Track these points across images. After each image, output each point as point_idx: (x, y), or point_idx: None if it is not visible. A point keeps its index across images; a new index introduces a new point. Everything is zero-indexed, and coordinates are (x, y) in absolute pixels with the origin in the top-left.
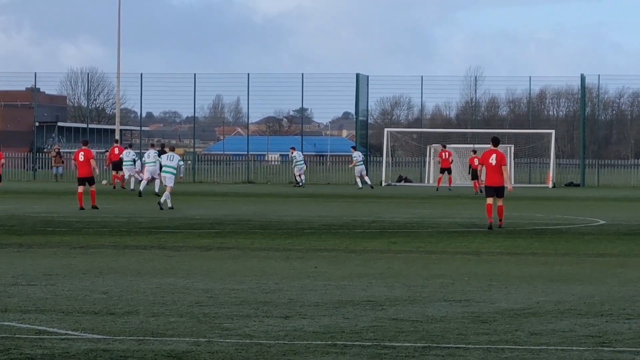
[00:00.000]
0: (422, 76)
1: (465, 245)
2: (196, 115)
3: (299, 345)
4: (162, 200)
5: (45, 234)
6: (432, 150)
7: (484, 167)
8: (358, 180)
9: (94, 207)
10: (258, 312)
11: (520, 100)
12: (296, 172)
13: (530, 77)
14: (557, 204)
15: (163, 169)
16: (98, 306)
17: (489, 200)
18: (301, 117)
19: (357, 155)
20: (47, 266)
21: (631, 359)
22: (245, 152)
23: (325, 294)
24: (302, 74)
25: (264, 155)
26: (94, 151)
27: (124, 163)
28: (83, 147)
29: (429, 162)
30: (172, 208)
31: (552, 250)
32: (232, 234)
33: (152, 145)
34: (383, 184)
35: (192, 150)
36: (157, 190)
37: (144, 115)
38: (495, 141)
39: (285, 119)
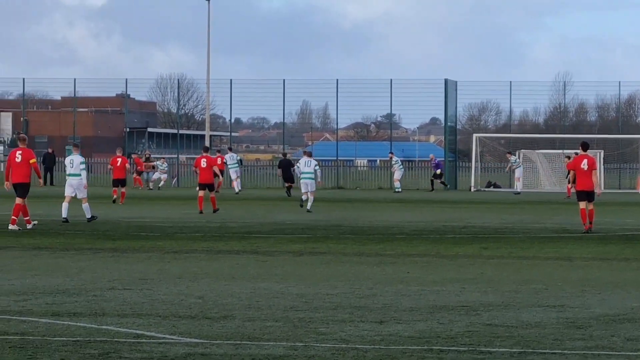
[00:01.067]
0: (510, 81)
1: (556, 251)
2: (284, 121)
3: (395, 350)
4: (308, 207)
5: (139, 239)
6: (522, 156)
7: (575, 172)
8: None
9: (215, 211)
10: (353, 317)
11: (609, 106)
12: (397, 176)
13: (619, 82)
14: None
15: (302, 175)
16: (194, 310)
17: (582, 205)
18: (390, 122)
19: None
20: (141, 271)
21: None
22: (334, 158)
23: (419, 299)
24: (391, 80)
25: (352, 160)
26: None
27: (229, 165)
28: (204, 154)
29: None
30: (310, 211)
31: None
32: (324, 239)
33: (230, 149)
34: (472, 189)
35: (281, 156)
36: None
37: (232, 121)
38: (585, 146)
39: (372, 125)
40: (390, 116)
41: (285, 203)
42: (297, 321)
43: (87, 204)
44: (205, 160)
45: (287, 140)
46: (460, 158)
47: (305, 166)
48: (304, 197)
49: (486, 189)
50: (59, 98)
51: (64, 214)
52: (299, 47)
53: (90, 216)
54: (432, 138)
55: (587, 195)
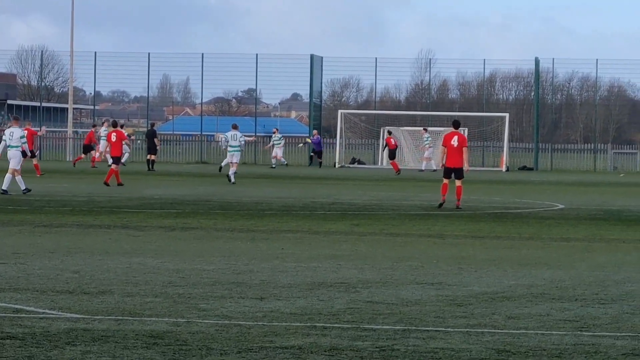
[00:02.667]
0: (376, 58)
1: (428, 228)
2: (145, 94)
3: (279, 327)
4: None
5: (7, 213)
6: (385, 133)
7: (445, 149)
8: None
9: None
10: (232, 293)
11: (470, 84)
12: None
13: (484, 59)
14: (513, 187)
15: (230, 147)
16: (72, 285)
17: (446, 180)
18: (255, 97)
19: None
20: (13, 245)
21: (611, 344)
22: (195, 132)
23: (297, 275)
24: (257, 54)
25: (213, 135)
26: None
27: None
28: (114, 129)
29: (381, 144)
30: (234, 183)
31: (516, 234)
32: (194, 214)
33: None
34: (337, 165)
35: (142, 129)
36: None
37: (92, 94)
38: (456, 124)
39: (234, 100)
40: (255, 91)
41: (149, 178)
42: (177, 297)
43: (20, 176)
44: (115, 134)
45: (148, 114)
46: (322, 134)
47: (232, 139)
48: (223, 163)
49: (350, 166)
50: None
51: (4, 186)
52: (164, 22)
53: (5, 188)
54: (293, 114)
55: (455, 171)
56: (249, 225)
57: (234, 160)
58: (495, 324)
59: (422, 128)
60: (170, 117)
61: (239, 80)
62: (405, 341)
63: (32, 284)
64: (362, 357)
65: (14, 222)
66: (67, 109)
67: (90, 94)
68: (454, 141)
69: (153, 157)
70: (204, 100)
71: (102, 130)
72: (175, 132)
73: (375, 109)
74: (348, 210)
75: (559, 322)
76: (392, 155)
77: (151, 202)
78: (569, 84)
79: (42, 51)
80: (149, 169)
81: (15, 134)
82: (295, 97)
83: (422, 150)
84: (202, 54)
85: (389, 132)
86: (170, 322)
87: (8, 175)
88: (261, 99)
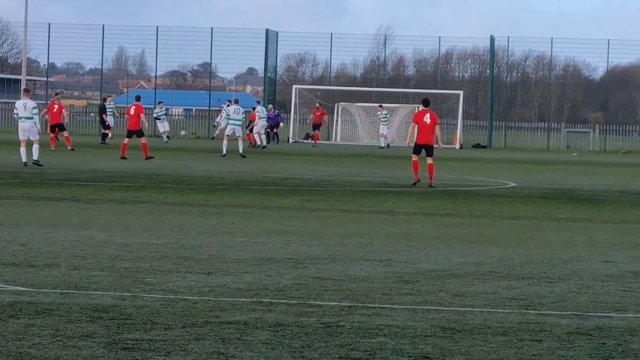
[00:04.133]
0: (331, 33)
1: (379, 205)
2: (99, 67)
3: (225, 302)
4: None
5: None
6: (340, 108)
7: (416, 126)
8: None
9: (148, 158)
10: (179, 268)
11: (427, 61)
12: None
13: (439, 37)
14: (466, 165)
15: (231, 121)
16: (18, 258)
17: (415, 157)
18: (210, 71)
19: (261, 110)
20: None
21: (556, 322)
22: (150, 106)
23: (245, 250)
24: (212, 28)
25: (168, 109)
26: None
27: (233, 121)
28: (135, 102)
29: (336, 120)
30: (244, 156)
31: (467, 211)
32: (145, 188)
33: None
34: (290, 141)
35: (97, 102)
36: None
37: (46, 65)
38: (426, 102)
39: (189, 73)
40: (209, 65)
41: (102, 150)
42: (124, 271)
43: (38, 145)
44: (134, 107)
45: (102, 86)
46: (277, 109)
47: (235, 113)
48: (228, 133)
49: (304, 141)
50: None
51: (24, 159)
52: None
53: (36, 158)
54: (249, 88)
55: (425, 148)
56: (200, 199)
57: (238, 134)
58: (442, 301)
59: (378, 105)
60: (125, 90)
61: (194, 54)
62: (351, 318)
63: None
64: (306, 333)
65: None
66: (20, 80)
67: (45, 65)
68: (427, 118)
69: (107, 131)
70: (159, 74)
71: (108, 105)
72: (129, 105)
73: (330, 85)
74: (300, 185)
75: (505, 300)
76: (315, 127)
77: (102, 175)
78: (525, 62)
79: None
80: (102, 142)
81: (28, 105)
82: (251, 71)
83: (377, 127)
84: (157, 27)
85: (319, 104)
86: (115, 296)
87: (35, 146)
88: (216, 72)
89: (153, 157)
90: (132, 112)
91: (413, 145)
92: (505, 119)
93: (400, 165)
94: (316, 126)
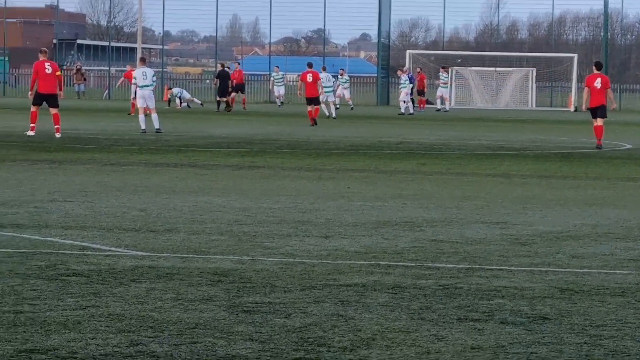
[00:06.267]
0: None
1: (494, 168)
2: (213, 34)
3: (343, 265)
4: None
5: (75, 151)
6: (454, 73)
7: (589, 90)
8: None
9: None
10: (297, 232)
11: (540, 25)
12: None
13: (553, 0)
14: (581, 127)
15: (326, 88)
16: (138, 223)
17: (595, 122)
18: (323, 37)
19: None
20: (81, 183)
21: None
22: (264, 72)
23: (362, 214)
24: None
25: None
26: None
27: (325, 88)
28: (309, 69)
29: (451, 85)
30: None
31: (583, 173)
32: (261, 153)
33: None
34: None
35: (211, 69)
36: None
37: (161, 33)
38: (598, 65)
39: (303, 40)
40: (322, 31)
41: (218, 117)
42: (242, 235)
43: (156, 114)
44: (311, 74)
45: (217, 54)
46: (391, 74)
47: (327, 81)
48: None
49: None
50: None
51: (143, 126)
52: None
53: (158, 127)
54: (362, 54)
55: (599, 110)
56: (316, 164)
57: (330, 99)
58: (559, 262)
59: (442, 67)
60: (240, 57)
61: (307, 20)
62: (469, 279)
63: (99, 221)
64: (425, 295)
65: (82, 161)
66: (136, 48)
67: (159, 33)
68: (597, 83)
69: (226, 99)
70: (272, 41)
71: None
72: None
73: (443, 50)
74: (415, 149)
75: (622, 262)
76: (420, 93)
77: (219, 141)
78: (639, 24)
79: None
80: (220, 110)
81: (148, 73)
82: (364, 37)
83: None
84: None
85: (420, 69)
86: (234, 260)
87: (154, 115)
88: (330, 38)
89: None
90: (309, 79)
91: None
92: (620, 81)
93: (515, 129)
94: (420, 92)
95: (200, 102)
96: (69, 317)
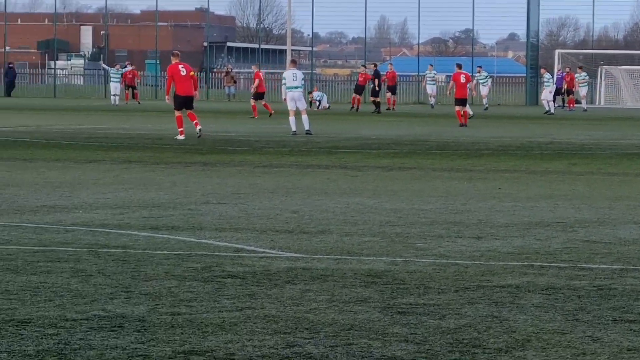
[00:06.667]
0: None
1: None
2: (362, 36)
3: (496, 266)
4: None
5: (227, 153)
6: (603, 72)
7: None
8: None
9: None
10: (449, 233)
11: None
12: (484, 92)
13: None
14: None
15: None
16: (291, 225)
17: None
18: (472, 37)
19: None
20: (234, 185)
21: None
22: (413, 73)
23: (514, 214)
24: None
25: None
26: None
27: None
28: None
29: (600, 84)
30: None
31: None
32: (411, 154)
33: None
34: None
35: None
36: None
37: (310, 35)
38: None
39: (450, 40)
40: (470, 31)
41: (367, 118)
42: (395, 236)
43: (306, 115)
44: (464, 75)
45: (365, 55)
46: (540, 75)
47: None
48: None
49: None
50: (139, 12)
51: (293, 128)
52: None
53: (308, 128)
54: (510, 54)
55: None
56: (466, 164)
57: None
58: None
59: (579, 66)
60: (388, 58)
61: (455, 20)
62: (623, 280)
63: (252, 223)
64: (579, 296)
65: (234, 163)
66: (285, 50)
67: (308, 35)
68: None
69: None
70: (421, 41)
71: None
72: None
73: (592, 49)
74: (565, 149)
75: None
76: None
77: (369, 142)
78: None
79: None
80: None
81: (297, 75)
82: (512, 37)
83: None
84: None
85: (569, 69)
86: (388, 261)
87: (304, 117)
88: (478, 39)
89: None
90: (462, 79)
91: None
92: None
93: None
94: (569, 91)
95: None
96: (225, 318)
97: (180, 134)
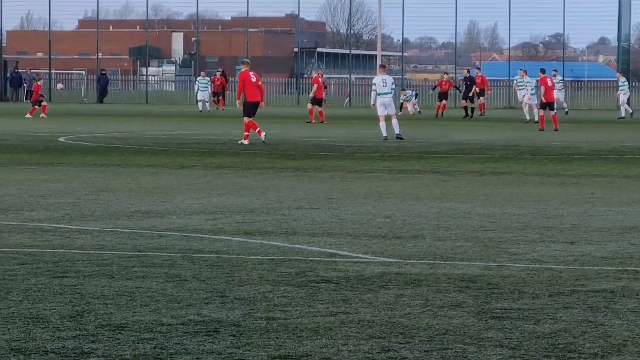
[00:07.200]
0: None
1: None
2: (452, 41)
3: (590, 271)
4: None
5: (319, 158)
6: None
7: None
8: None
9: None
10: (543, 237)
11: None
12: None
13: None
14: None
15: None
16: (384, 230)
17: None
18: (562, 42)
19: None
20: (326, 190)
21: None
22: (502, 78)
23: (607, 219)
24: None
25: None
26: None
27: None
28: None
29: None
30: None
31: None
32: (503, 159)
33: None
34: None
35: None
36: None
37: (400, 40)
38: None
39: (541, 45)
40: (560, 36)
41: (457, 123)
42: (488, 241)
43: (397, 120)
44: (550, 80)
45: (454, 60)
46: (631, 79)
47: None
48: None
49: None
50: (229, 18)
51: (384, 133)
52: None
53: (398, 132)
54: (601, 58)
55: None
56: (558, 169)
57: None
58: None
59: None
60: (478, 63)
61: (545, 24)
62: None
63: (345, 228)
64: None
65: (326, 168)
66: (375, 56)
67: (398, 40)
68: None
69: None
70: (511, 46)
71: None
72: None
73: None
74: None
75: None
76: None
77: (460, 147)
78: None
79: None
80: (466, 115)
81: (387, 81)
82: (603, 40)
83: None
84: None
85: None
86: (481, 266)
87: (395, 121)
88: (568, 43)
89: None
90: (549, 83)
91: None
92: None
93: None
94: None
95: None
96: (320, 323)
97: (245, 139)
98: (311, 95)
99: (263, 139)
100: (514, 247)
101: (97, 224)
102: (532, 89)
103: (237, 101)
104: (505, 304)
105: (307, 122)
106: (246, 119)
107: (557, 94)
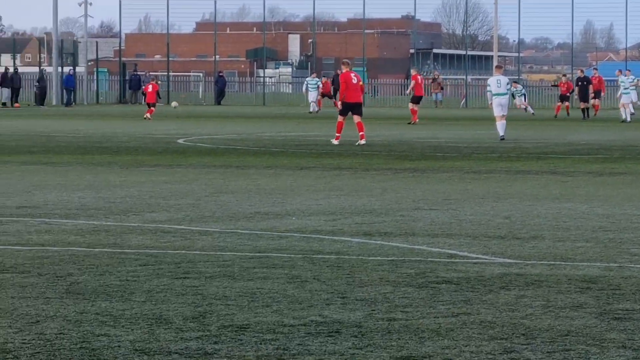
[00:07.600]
0: None
1: None
2: (567, 41)
3: None
4: None
5: (437, 159)
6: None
7: None
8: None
9: None
10: None
11: None
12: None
13: None
14: None
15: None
16: (503, 231)
17: None
18: None
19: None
20: (444, 191)
21: None
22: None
23: None
24: None
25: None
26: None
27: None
28: None
29: None
30: None
31: None
32: (621, 159)
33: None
34: None
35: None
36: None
37: (516, 41)
38: None
39: None
40: None
41: (574, 123)
42: (608, 242)
43: (504, 121)
44: None
45: (570, 60)
46: None
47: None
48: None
49: None
50: (345, 20)
51: (501, 133)
52: None
53: (502, 134)
54: None
55: None
56: None
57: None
58: None
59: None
60: (594, 63)
61: None
62: None
63: (464, 229)
64: None
65: (444, 169)
66: (492, 56)
67: (514, 41)
68: None
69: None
70: (628, 46)
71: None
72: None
73: None
74: None
75: None
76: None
77: (578, 148)
78: None
79: (466, 0)
80: (584, 117)
81: (502, 81)
82: None
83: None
84: None
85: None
86: (602, 267)
87: (502, 122)
88: None
89: None
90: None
91: None
92: None
93: None
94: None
95: (532, 112)
96: (441, 324)
97: (336, 139)
98: (408, 92)
99: (333, 142)
100: (634, 248)
101: (218, 225)
102: (625, 88)
103: (336, 101)
104: (628, 305)
105: (409, 124)
106: (340, 118)
107: (632, 95)
